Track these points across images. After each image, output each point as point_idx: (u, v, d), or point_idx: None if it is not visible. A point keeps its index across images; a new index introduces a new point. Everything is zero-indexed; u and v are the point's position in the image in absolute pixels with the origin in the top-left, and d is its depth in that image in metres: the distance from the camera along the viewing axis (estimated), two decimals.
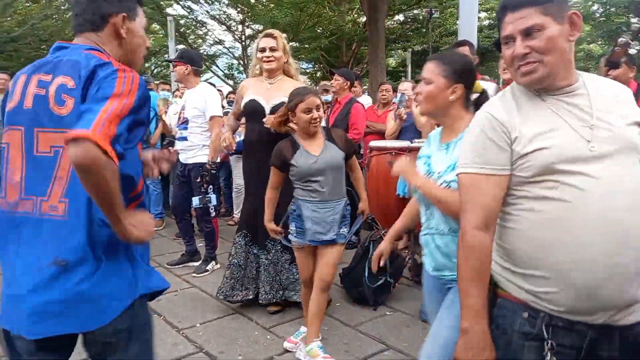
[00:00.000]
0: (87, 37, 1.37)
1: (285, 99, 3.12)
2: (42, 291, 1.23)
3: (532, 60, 1.24)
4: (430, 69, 1.76)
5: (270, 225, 2.75)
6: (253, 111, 3.27)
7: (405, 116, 4.36)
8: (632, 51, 2.98)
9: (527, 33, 1.24)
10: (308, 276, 2.77)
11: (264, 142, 3.17)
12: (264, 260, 3.29)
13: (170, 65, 9.25)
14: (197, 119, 4.13)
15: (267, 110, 3.22)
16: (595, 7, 20.45)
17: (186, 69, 4.14)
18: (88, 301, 1.25)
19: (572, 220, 1.20)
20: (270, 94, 3.26)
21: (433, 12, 10.50)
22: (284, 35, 3.34)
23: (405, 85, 5.06)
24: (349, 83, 4.92)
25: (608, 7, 18.35)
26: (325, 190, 2.60)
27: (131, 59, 1.44)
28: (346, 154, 2.69)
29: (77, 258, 1.23)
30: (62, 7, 17.55)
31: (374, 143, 4.19)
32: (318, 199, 2.61)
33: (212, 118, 4.07)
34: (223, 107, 5.24)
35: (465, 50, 3.54)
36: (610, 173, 1.20)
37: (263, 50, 3.22)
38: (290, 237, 2.72)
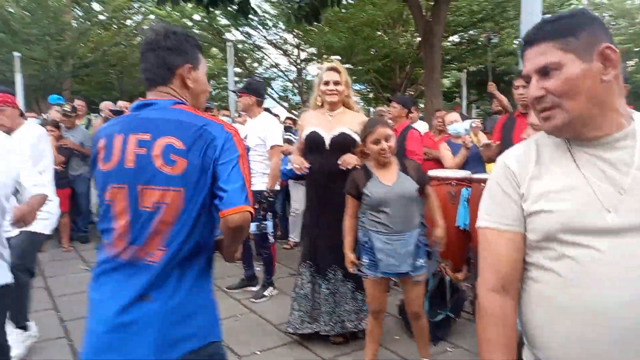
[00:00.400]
0: (160, 90, 1.46)
1: (345, 130, 3.18)
2: (129, 324, 1.34)
3: (548, 105, 1.05)
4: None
5: (349, 254, 2.77)
6: (314, 142, 3.34)
7: (470, 145, 4.27)
8: None
9: (544, 72, 1.05)
10: (378, 308, 2.79)
11: (324, 173, 3.23)
12: (324, 290, 3.31)
13: (230, 93, 9.59)
14: (259, 148, 4.25)
15: (327, 141, 3.28)
16: None
17: (251, 100, 4.29)
18: (166, 337, 1.34)
19: (560, 301, 1.02)
20: (331, 125, 3.31)
21: (492, 37, 10.33)
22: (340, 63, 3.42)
23: (454, 116, 4.97)
24: (406, 111, 4.92)
25: None
26: (397, 221, 2.61)
27: (194, 104, 1.52)
28: (420, 185, 2.71)
29: (164, 296, 1.35)
30: (130, 34, 18.70)
31: (433, 172, 4.14)
32: (389, 230, 2.62)
33: (272, 147, 4.18)
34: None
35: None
36: (626, 251, 0.98)
37: (327, 83, 3.30)
38: (362, 269, 2.73)
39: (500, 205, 1.14)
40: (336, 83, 3.29)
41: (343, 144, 3.24)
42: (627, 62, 28.07)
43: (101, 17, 18.17)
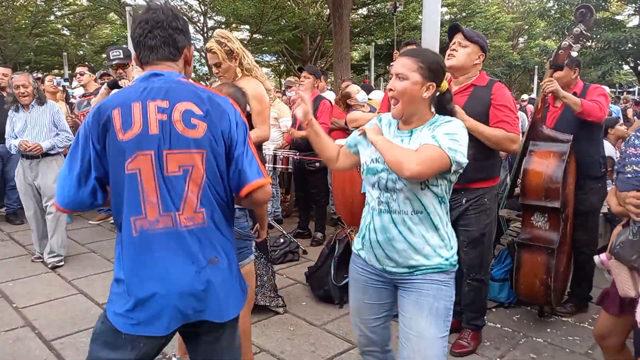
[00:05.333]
0: (167, 65, 1.52)
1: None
2: (200, 288, 1.43)
3: None
4: (407, 65, 1.70)
5: None
6: None
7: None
8: (574, 53, 3.08)
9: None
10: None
11: None
12: None
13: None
14: None
15: None
16: (550, 4, 21.12)
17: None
18: (228, 294, 1.49)
19: None
20: None
21: (397, 5, 10.63)
22: (231, 35, 2.95)
23: (354, 87, 5.14)
24: (318, 81, 4.94)
25: (563, 4, 18.98)
26: None
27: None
28: None
29: (220, 256, 1.47)
30: None
31: (339, 142, 4.19)
32: None
33: None
34: None
35: None
36: None
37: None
38: None
39: None
40: (216, 65, 2.98)
41: None
42: (518, 39, 30.34)
43: None
